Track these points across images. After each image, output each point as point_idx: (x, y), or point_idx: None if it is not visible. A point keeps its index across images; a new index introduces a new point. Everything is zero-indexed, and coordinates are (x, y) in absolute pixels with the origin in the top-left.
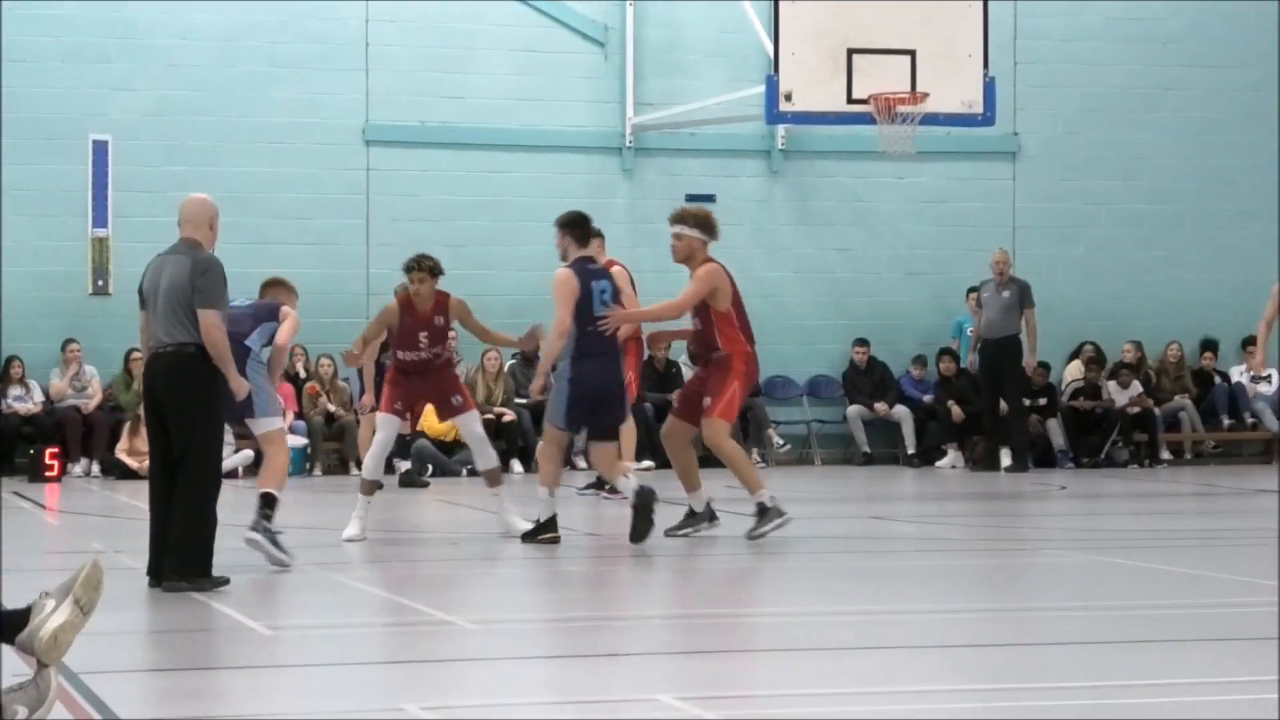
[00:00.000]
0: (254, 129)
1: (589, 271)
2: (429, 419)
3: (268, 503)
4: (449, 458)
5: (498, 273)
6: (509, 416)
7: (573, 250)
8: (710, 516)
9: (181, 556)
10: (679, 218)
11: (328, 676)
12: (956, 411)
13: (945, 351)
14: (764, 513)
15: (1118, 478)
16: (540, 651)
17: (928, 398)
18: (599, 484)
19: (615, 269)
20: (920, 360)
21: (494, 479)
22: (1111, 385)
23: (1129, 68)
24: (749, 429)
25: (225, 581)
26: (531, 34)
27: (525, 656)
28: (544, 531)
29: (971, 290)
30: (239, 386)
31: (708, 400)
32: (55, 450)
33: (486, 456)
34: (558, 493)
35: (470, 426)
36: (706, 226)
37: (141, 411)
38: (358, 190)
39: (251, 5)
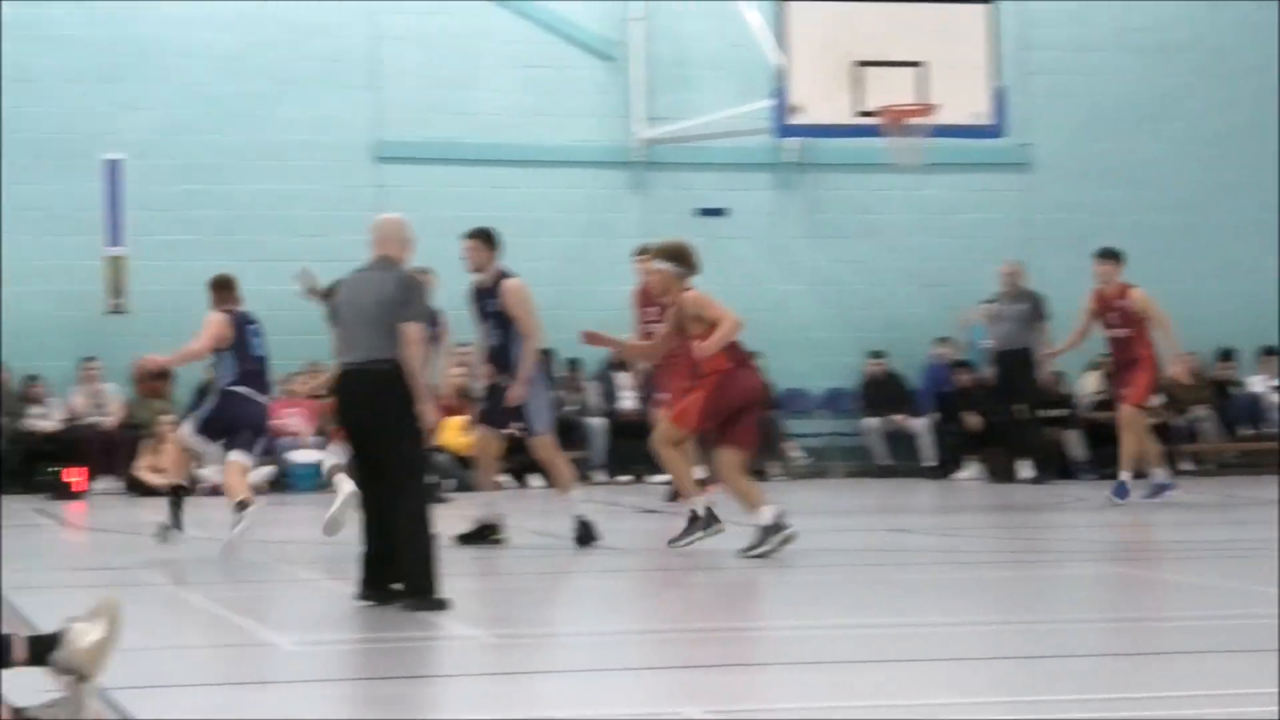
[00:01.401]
0: (265, 146)
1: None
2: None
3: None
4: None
5: None
6: None
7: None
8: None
9: (415, 578)
10: (655, 253)
11: (344, 691)
12: (973, 421)
13: (961, 364)
14: (692, 521)
15: (1136, 489)
16: (566, 666)
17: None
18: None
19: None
20: (945, 339)
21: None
22: None
23: (1138, 77)
24: (765, 442)
25: (446, 605)
26: (540, 50)
27: (550, 671)
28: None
29: (986, 302)
30: (428, 406)
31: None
32: (84, 468)
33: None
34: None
35: None
36: (679, 259)
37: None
38: (368, 207)
39: (261, 23)
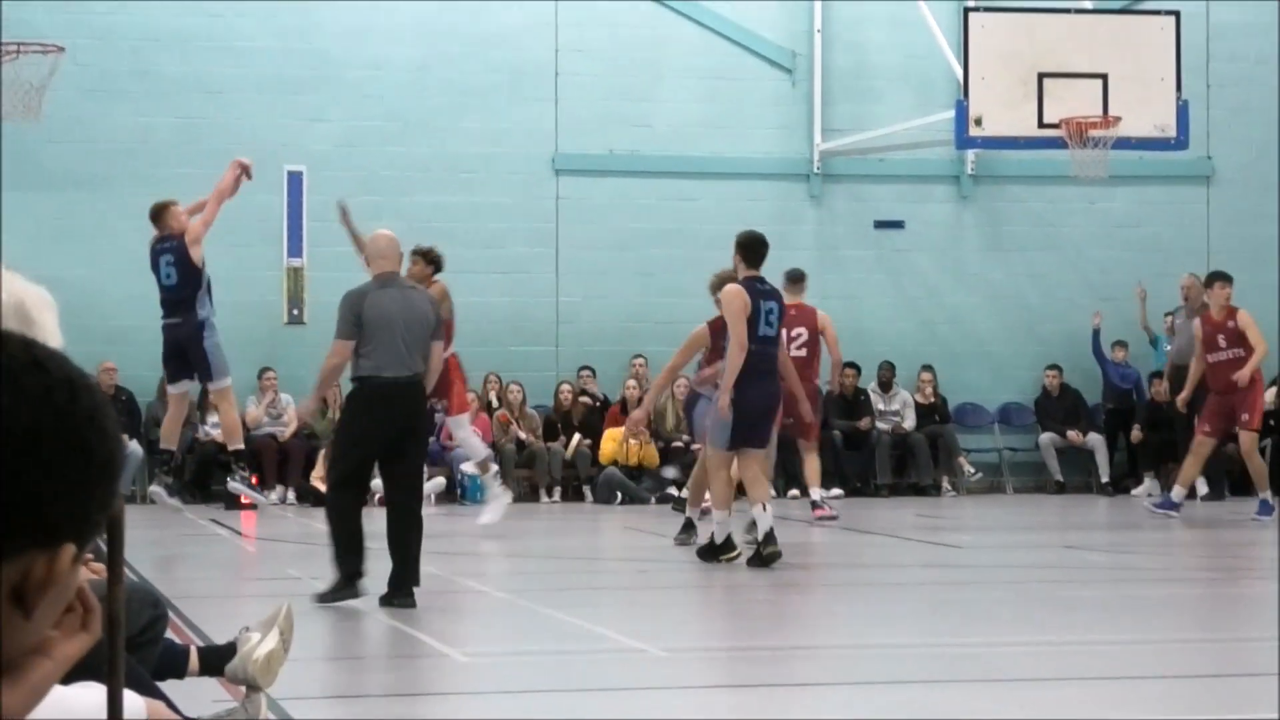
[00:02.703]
0: (445, 159)
1: (758, 290)
2: (613, 444)
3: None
4: (637, 484)
5: (686, 299)
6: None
7: (742, 269)
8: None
9: (410, 575)
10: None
11: (522, 702)
12: (1135, 434)
13: (1155, 374)
14: (688, 528)
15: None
16: (725, 680)
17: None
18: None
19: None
20: (1121, 345)
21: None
22: None
23: None
24: (938, 456)
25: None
26: (719, 61)
27: (712, 685)
28: (724, 551)
29: (1168, 314)
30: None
31: None
32: (255, 478)
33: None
34: (734, 510)
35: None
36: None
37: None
38: (547, 219)
39: (442, 37)
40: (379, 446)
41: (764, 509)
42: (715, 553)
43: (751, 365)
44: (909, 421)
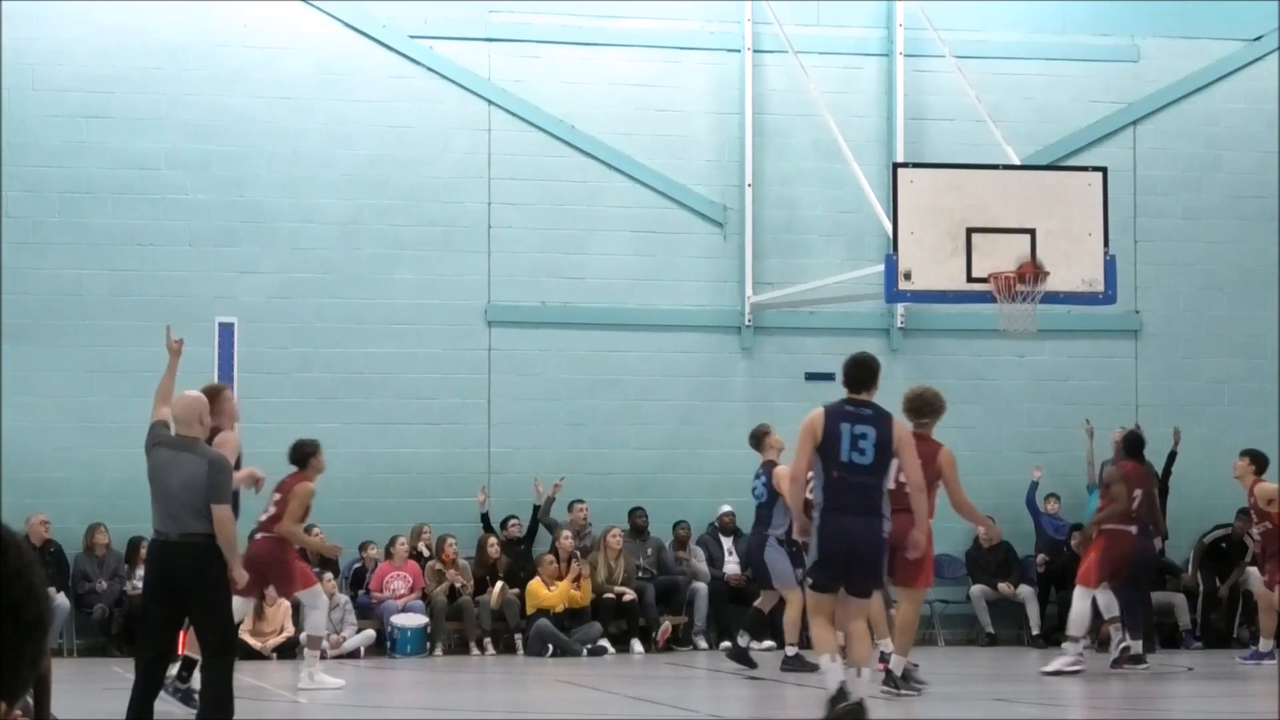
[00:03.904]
0: (377, 310)
1: (845, 413)
2: (540, 590)
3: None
4: (568, 636)
5: (617, 450)
6: (629, 595)
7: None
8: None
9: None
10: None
11: None
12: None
13: (1076, 527)
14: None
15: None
16: None
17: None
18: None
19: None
20: (1054, 497)
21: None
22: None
23: (1249, 245)
24: None
25: None
26: (651, 215)
27: None
28: (839, 702)
29: (1104, 463)
30: (240, 576)
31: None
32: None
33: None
34: (838, 658)
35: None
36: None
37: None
38: (480, 370)
39: (375, 189)
40: (160, 602)
41: (832, 659)
42: (834, 703)
43: (831, 498)
44: None
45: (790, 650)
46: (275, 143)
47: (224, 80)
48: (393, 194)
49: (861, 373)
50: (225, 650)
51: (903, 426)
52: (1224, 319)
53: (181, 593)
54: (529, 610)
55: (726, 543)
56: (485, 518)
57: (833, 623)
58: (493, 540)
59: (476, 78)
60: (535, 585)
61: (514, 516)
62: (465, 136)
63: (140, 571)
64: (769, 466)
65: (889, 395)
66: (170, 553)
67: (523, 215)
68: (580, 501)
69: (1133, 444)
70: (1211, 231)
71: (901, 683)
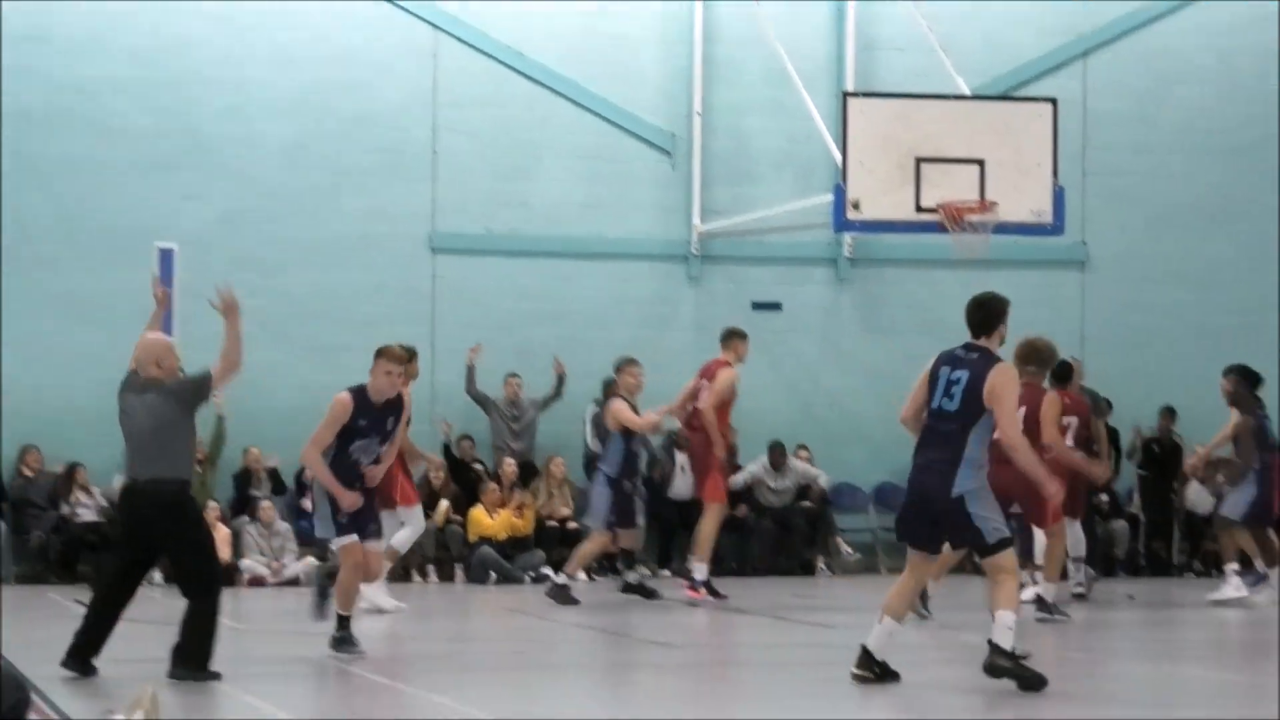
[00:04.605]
0: (322, 238)
1: (953, 357)
2: (483, 519)
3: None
4: (510, 563)
5: (565, 379)
6: (573, 524)
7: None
8: None
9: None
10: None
11: None
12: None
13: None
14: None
15: (1190, 587)
16: None
17: None
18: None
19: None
20: None
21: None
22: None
23: (1202, 179)
24: (816, 536)
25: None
26: (598, 142)
27: None
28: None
29: None
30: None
31: None
32: None
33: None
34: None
35: None
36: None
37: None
38: (424, 299)
39: (319, 115)
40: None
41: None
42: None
43: (918, 445)
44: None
45: (561, 579)
46: (218, 68)
47: (166, 5)
48: (337, 120)
49: (975, 314)
50: (207, 592)
51: (1005, 375)
52: (1171, 253)
53: (151, 538)
54: (471, 538)
55: (680, 458)
56: (447, 449)
57: (915, 584)
58: (440, 467)
59: (423, 3)
60: (478, 513)
61: (466, 435)
62: (411, 62)
63: (78, 499)
64: (611, 401)
65: (840, 325)
66: (136, 498)
67: (469, 142)
68: (515, 375)
69: (1058, 371)
70: (1160, 165)
71: (1055, 609)
